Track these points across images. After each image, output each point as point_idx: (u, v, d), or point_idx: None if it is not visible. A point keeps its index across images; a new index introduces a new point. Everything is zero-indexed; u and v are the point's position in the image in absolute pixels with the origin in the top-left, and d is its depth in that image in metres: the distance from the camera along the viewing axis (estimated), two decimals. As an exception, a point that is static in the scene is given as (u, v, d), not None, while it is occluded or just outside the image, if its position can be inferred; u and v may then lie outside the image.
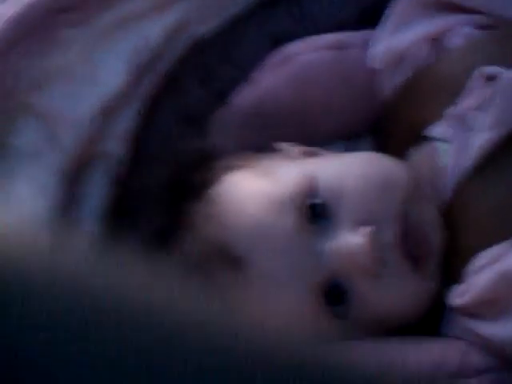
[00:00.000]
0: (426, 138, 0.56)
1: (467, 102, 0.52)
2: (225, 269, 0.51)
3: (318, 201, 0.50)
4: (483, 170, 0.50)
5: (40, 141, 0.63)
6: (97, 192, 0.70)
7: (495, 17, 0.58)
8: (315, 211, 0.50)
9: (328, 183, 0.51)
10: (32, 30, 0.61)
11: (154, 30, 0.69)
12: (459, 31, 0.58)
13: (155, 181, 0.72)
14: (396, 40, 0.60)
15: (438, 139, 0.54)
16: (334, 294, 0.49)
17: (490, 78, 0.51)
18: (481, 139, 0.50)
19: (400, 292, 0.49)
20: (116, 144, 0.72)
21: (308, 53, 0.64)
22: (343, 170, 0.53)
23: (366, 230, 0.48)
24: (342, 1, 0.67)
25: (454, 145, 0.52)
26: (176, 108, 0.73)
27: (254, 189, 0.53)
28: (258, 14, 0.70)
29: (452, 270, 0.50)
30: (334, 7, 0.67)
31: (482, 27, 0.58)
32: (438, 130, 0.55)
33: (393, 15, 0.62)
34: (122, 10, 0.66)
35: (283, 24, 0.68)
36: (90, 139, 0.68)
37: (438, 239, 0.50)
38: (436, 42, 0.59)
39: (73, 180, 0.68)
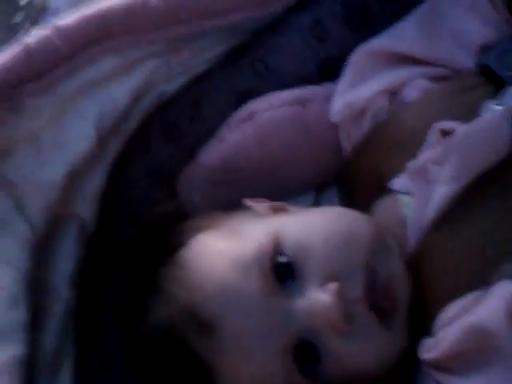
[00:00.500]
0: (389, 190, 0.57)
1: (426, 156, 0.52)
2: (196, 333, 0.51)
3: (283, 260, 0.50)
4: (444, 222, 0.50)
5: (7, 210, 0.63)
6: (67, 255, 0.69)
7: (448, 67, 0.60)
8: (281, 270, 0.50)
9: (293, 241, 0.51)
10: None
11: (121, 91, 0.69)
12: (415, 84, 0.59)
13: (122, 244, 0.72)
14: (355, 94, 0.62)
15: (401, 192, 0.55)
16: (305, 353, 0.49)
17: (446, 133, 0.52)
18: (440, 193, 0.50)
19: (370, 347, 0.49)
20: (85, 205, 0.72)
21: (270, 110, 0.65)
22: (308, 226, 0.53)
23: (333, 286, 0.48)
24: (303, 56, 0.68)
25: (416, 198, 0.53)
26: (145, 166, 0.73)
27: (221, 250, 0.53)
28: (223, 70, 0.71)
29: (422, 322, 0.50)
30: (295, 62, 0.69)
31: (437, 79, 0.59)
32: (399, 182, 0.55)
33: (350, 69, 0.64)
34: (88, 75, 0.66)
35: (248, 80, 0.69)
36: (58, 203, 0.68)
37: (405, 291, 0.50)
38: (393, 95, 0.61)
39: (42, 245, 0.68)
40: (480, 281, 0.48)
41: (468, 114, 0.52)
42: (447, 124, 0.52)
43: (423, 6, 0.64)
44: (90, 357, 0.68)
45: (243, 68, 0.70)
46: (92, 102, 0.69)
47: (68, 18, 0.66)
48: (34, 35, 0.64)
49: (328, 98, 0.64)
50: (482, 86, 0.54)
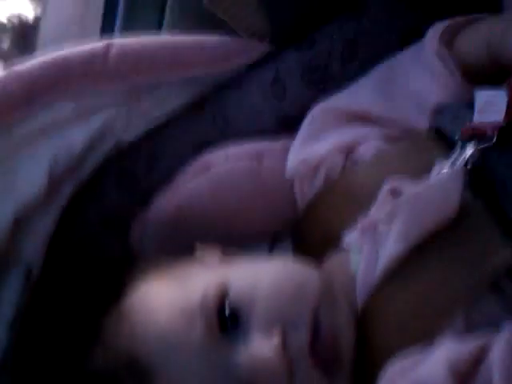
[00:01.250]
0: (340, 246, 0.57)
1: (376, 215, 0.52)
2: (133, 381, 0.49)
3: (227, 309, 0.49)
4: (390, 281, 0.50)
5: None
6: (8, 303, 0.67)
7: (402, 127, 0.60)
8: (226, 321, 0.49)
9: (239, 290, 0.50)
10: None
11: (78, 137, 0.68)
12: (369, 144, 0.60)
13: (70, 288, 0.70)
14: (309, 151, 0.62)
15: (351, 247, 0.55)
16: None
17: (395, 193, 0.52)
18: (387, 252, 0.50)
19: None
20: (32, 250, 0.70)
21: (225, 163, 0.65)
22: (256, 276, 0.52)
23: (277, 337, 0.47)
24: (263, 112, 0.69)
25: (364, 256, 0.52)
26: (97, 212, 0.72)
27: (165, 298, 0.51)
28: (182, 121, 0.71)
29: (367, 378, 0.49)
30: (255, 117, 0.69)
31: (391, 139, 0.60)
32: (350, 237, 0.55)
33: (306, 125, 0.64)
34: (45, 118, 0.66)
35: (206, 132, 0.70)
36: (4, 248, 0.66)
37: (350, 343, 0.49)
38: (348, 153, 0.61)
39: None
40: (424, 338, 0.47)
41: (419, 174, 0.52)
42: (397, 183, 0.52)
43: (381, 66, 0.65)
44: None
45: (202, 120, 0.70)
46: (47, 146, 0.68)
47: (27, 63, 0.66)
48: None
49: (284, 154, 0.64)
50: (434, 148, 0.55)
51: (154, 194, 0.70)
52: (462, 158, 0.51)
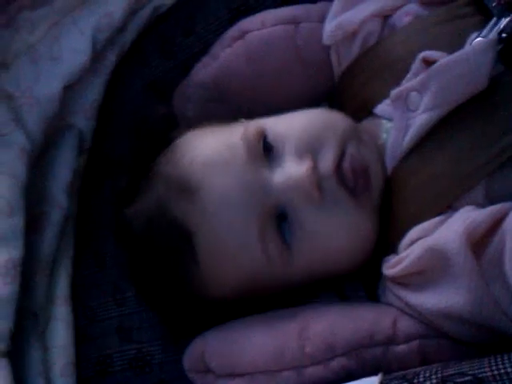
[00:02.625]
0: (373, 114, 0.56)
1: (409, 84, 0.52)
2: (182, 198, 0.53)
3: (265, 143, 0.53)
4: (419, 149, 0.51)
5: (5, 122, 0.64)
6: (65, 165, 0.72)
7: None
8: (263, 149, 0.53)
9: (275, 130, 0.54)
10: None
11: (117, 4, 0.69)
12: (406, 9, 0.58)
13: (120, 147, 0.74)
14: (347, 16, 0.60)
15: (383, 117, 0.55)
16: (281, 219, 0.52)
17: (429, 62, 0.51)
18: (418, 121, 0.51)
19: (341, 218, 0.51)
20: (82, 117, 0.73)
21: (262, 29, 0.63)
22: (291, 121, 0.56)
23: (308, 159, 0.51)
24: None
25: (395, 124, 0.53)
26: (141, 79, 0.74)
27: (210, 138, 0.56)
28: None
29: (390, 241, 0.52)
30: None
31: (429, 3, 0.58)
32: (382, 108, 0.55)
33: None
34: None
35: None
36: (56, 115, 0.69)
37: (377, 172, 0.52)
38: (385, 19, 0.59)
39: (40, 155, 0.70)
40: (446, 205, 0.49)
41: (454, 44, 0.51)
42: (431, 53, 0.51)
43: None
44: (85, 258, 0.71)
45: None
46: (89, 15, 0.68)
47: None
48: None
49: (321, 19, 0.62)
50: (471, 16, 0.53)
51: (193, 61, 0.71)
52: (497, 27, 0.50)
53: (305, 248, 0.52)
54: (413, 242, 0.49)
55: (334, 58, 0.63)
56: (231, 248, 0.52)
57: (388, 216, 0.53)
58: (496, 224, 0.44)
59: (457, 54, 0.50)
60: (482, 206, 0.47)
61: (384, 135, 0.55)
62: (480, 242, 0.44)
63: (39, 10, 0.65)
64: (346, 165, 0.52)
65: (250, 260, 0.52)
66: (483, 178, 0.48)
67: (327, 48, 0.63)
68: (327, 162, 0.52)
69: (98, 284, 0.69)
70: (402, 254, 0.49)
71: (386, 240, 0.53)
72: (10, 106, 0.67)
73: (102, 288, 0.69)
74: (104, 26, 0.69)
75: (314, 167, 0.51)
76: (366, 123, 0.58)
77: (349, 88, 0.61)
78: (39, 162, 0.70)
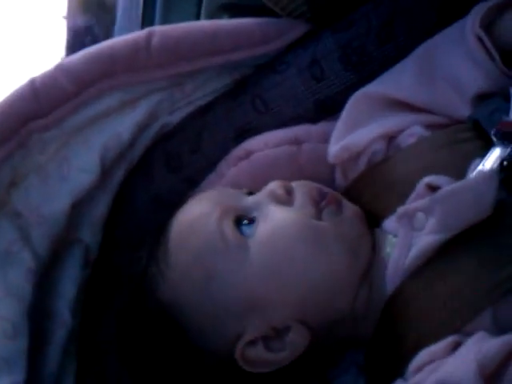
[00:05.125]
0: (381, 227, 0.57)
1: (415, 204, 0.52)
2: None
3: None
4: (423, 271, 0.51)
5: (12, 241, 0.63)
6: (70, 281, 0.70)
7: (444, 115, 0.59)
8: None
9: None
10: (6, 137, 0.63)
11: (126, 124, 0.69)
12: (411, 130, 0.59)
13: (125, 268, 0.73)
14: (352, 138, 0.61)
15: (389, 232, 0.55)
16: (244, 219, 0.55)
17: (432, 188, 0.52)
18: (423, 241, 0.51)
19: (299, 216, 0.54)
20: (89, 232, 0.73)
21: (266, 149, 0.66)
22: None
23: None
24: (301, 94, 0.68)
25: (399, 241, 0.53)
26: (148, 194, 0.74)
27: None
28: (224, 105, 0.71)
29: (396, 364, 0.50)
30: (293, 100, 0.68)
31: (432, 127, 0.59)
32: (389, 223, 0.56)
33: (347, 113, 0.63)
34: (94, 110, 0.66)
35: (247, 116, 0.69)
36: (62, 232, 0.69)
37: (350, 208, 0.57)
38: (391, 140, 0.61)
39: (46, 272, 0.69)
40: (452, 330, 0.48)
41: (456, 168, 0.52)
42: (434, 179, 0.52)
43: (420, 49, 0.63)
44: (88, 380, 0.69)
45: (243, 104, 0.70)
46: (97, 134, 0.69)
47: (73, 57, 0.67)
48: (40, 74, 0.66)
49: (322, 138, 0.64)
50: (472, 141, 0.54)
51: (198, 177, 0.72)
52: (498, 156, 0.50)
53: (261, 237, 0.54)
54: (421, 367, 0.47)
55: (339, 173, 0.64)
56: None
57: (391, 336, 0.51)
58: (509, 356, 0.43)
59: (460, 183, 0.50)
60: (491, 331, 0.46)
61: (388, 249, 0.55)
62: (493, 375, 0.43)
63: (50, 132, 0.66)
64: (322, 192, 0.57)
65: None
66: (489, 306, 0.47)
67: (330, 167, 0.64)
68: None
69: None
70: (411, 382, 0.47)
71: (390, 364, 0.51)
72: (19, 224, 0.66)
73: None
74: (112, 145, 0.70)
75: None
76: (374, 234, 0.57)
77: (356, 202, 0.61)
78: (44, 277, 0.68)
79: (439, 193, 0.50)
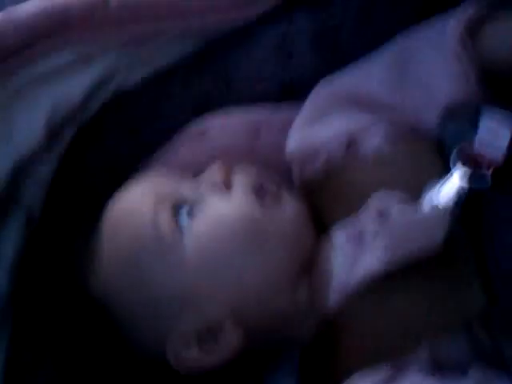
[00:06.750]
0: (328, 234, 0.55)
1: (363, 224, 0.50)
2: None
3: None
4: (366, 293, 0.49)
5: None
6: (10, 242, 0.68)
7: (410, 120, 0.56)
8: None
9: None
10: None
11: (77, 84, 0.64)
12: (371, 139, 0.56)
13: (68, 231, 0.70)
14: (313, 132, 0.58)
15: (335, 243, 0.53)
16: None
17: (382, 213, 0.49)
18: (369, 262, 0.49)
19: (236, 208, 0.52)
20: (31, 192, 0.69)
21: (222, 134, 0.62)
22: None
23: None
24: (266, 72, 0.64)
25: (345, 255, 0.51)
26: (97, 158, 0.70)
27: None
28: (184, 74, 0.66)
29: (329, 374, 0.50)
30: (257, 78, 0.64)
31: (394, 135, 0.56)
32: (336, 234, 0.53)
33: (311, 103, 0.60)
34: (44, 66, 0.61)
35: (206, 91, 0.65)
36: (2, 194, 0.65)
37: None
38: (350, 142, 0.57)
39: None
40: (387, 358, 0.47)
41: (411, 188, 0.50)
42: (385, 203, 0.50)
43: (396, 45, 0.59)
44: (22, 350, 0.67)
45: (204, 76, 0.65)
46: (46, 94, 0.63)
47: (23, 7, 0.61)
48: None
49: (283, 129, 0.61)
50: (431, 162, 0.52)
51: (154, 144, 0.68)
52: (455, 186, 0.48)
53: (198, 227, 0.52)
54: None
55: (295, 168, 0.61)
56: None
57: (327, 346, 0.51)
58: None
59: (411, 214, 0.47)
60: (427, 366, 0.46)
61: (333, 261, 0.53)
62: None
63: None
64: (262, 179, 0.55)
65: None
66: (429, 340, 0.46)
67: (287, 160, 0.61)
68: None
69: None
70: None
71: (323, 373, 0.51)
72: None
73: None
74: (62, 107, 0.65)
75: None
76: (323, 239, 0.56)
77: (307, 201, 0.58)
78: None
79: (389, 221, 0.48)
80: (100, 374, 0.56)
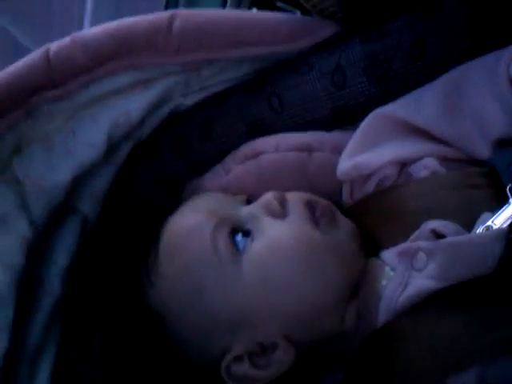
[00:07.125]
0: (379, 256, 0.56)
1: (418, 244, 0.51)
2: None
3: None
4: (416, 313, 0.50)
5: (10, 207, 0.62)
6: (64, 250, 0.70)
7: (463, 151, 0.57)
8: None
9: None
10: (15, 105, 0.60)
11: (137, 104, 0.67)
12: (425, 162, 0.57)
13: (121, 243, 0.72)
14: (365, 159, 0.59)
15: (387, 264, 0.54)
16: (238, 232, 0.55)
17: (437, 234, 0.51)
18: (419, 283, 0.50)
19: (295, 230, 0.54)
20: (88, 203, 0.71)
21: (275, 152, 0.64)
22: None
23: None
24: (319, 99, 0.66)
25: (397, 277, 0.52)
26: (151, 172, 0.72)
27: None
28: (239, 96, 0.68)
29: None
30: (310, 104, 0.66)
31: (449, 161, 0.56)
32: (388, 256, 0.54)
33: (363, 130, 0.61)
34: (106, 87, 0.64)
35: (261, 112, 0.67)
36: (61, 203, 0.68)
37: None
38: (403, 166, 0.58)
39: (40, 239, 0.68)
40: (435, 380, 0.48)
41: (464, 214, 0.51)
42: (439, 225, 0.51)
43: (448, 77, 0.60)
44: (70, 351, 0.69)
45: (259, 99, 0.67)
46: (107, 111, 0.66)
47: (92, 30, 0.64)
48: (56, 44, 0.63)
49: (334, 150, 0.62)
50: (486, 188, 0.52)
51: (204, 164, 0.69)
52: (509, 215, 0.49)
53: (255, 251, 0.53)
54: None
55: (345, 190, 0.62)
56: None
57: (374, 365, 0.52)
58: None
59: (467, 237, 0.48)
60: None
61: (384, 281, 0.53)
62: None
63: (59, 104, 0.64)
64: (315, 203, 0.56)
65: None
66: (476, 364, 0.46)
67: (339, 181, 0.62)
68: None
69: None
70: None
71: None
72: (17, 191, 0.64)
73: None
74: (122, 124, 0.67)
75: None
76: (371, 261, 0.56)
77: (358, 223, 0.59)
78: (39, 245, 0.67)
79: (445, 240, 0.49)
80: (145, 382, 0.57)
